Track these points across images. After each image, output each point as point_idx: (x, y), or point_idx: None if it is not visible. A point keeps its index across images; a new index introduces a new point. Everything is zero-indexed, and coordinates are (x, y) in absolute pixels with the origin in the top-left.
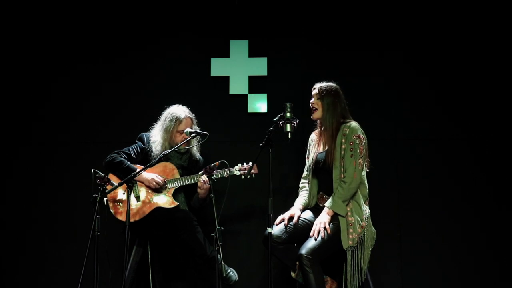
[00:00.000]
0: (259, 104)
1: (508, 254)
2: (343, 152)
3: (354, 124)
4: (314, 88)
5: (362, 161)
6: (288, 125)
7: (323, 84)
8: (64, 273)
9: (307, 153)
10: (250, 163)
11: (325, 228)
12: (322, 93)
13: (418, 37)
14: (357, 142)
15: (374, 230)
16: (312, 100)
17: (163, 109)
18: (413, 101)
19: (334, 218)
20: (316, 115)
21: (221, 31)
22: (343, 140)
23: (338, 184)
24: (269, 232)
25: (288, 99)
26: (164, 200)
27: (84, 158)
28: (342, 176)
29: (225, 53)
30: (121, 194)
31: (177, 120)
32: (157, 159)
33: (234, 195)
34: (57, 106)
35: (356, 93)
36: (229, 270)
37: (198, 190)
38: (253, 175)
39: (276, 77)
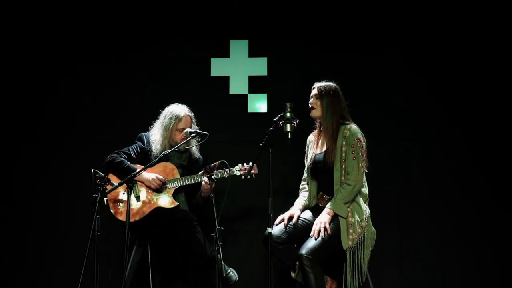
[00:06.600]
0: (259, 104)
1: (508, 254)
2: (344, 154)
3: (354, 126)
4: (314, 88)
5: (364, 164)
6: (288, 125)
7: (323, 83)
8: (64, 273)
9: (305, 154)
10: (250, 163)
11: (325, 228)
12: (321, 93)
13: (418, 37)
14: (359, 145)
15: (374, 230)
16: (311, 100)
17: (164, 109)
18: (413, 101)
19: (334, 218)
20: (315, 113)
21: (221, 31)
22: (344, 142)
23: (339, 186)
24: (269, 232)
25: (288, 99)
26: (164, 200)
27: (84, 158)
28: (343, 178)
29: (225, 53)
30: (121, 194)
31: (177, 118)
32: (157, 159)
33: (234, 195)
34: (57, 106)
35: (356, 93)
36: (229, 270)
37: (202, 188)
38: (253, 175)
39: (276, 77)
